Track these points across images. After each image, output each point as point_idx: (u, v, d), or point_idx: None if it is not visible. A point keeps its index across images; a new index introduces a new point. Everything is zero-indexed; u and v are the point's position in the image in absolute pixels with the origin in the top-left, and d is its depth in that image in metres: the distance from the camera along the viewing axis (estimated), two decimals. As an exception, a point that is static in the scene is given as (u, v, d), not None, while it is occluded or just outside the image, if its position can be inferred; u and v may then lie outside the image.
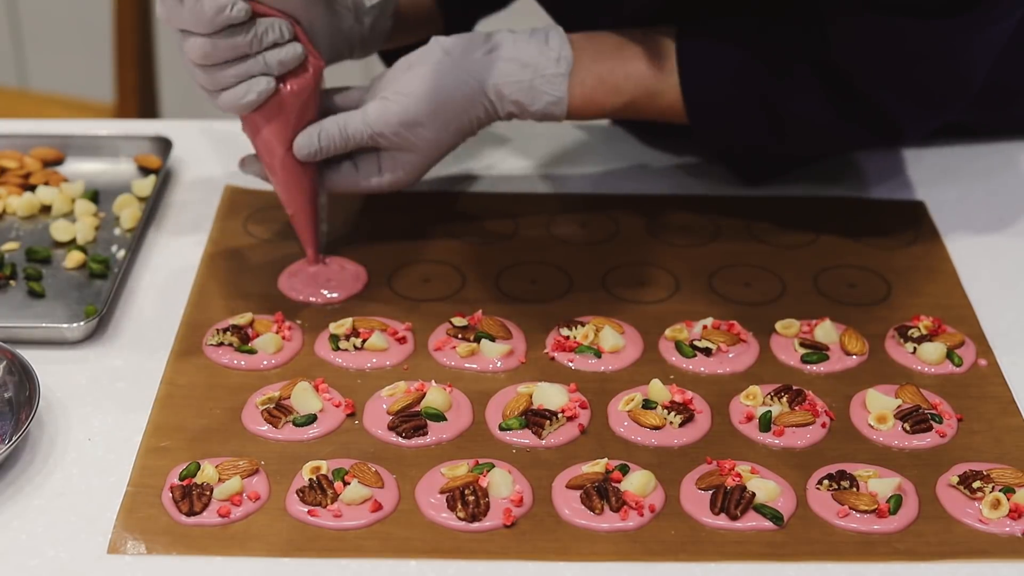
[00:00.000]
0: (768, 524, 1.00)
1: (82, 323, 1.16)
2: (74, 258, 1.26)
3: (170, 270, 1.26)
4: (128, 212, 1.32)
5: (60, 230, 1.28)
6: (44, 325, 1.16)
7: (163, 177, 1.38)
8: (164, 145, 1.41)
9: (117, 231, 1.31)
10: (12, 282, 1.24)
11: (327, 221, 1.27)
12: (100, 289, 1.22)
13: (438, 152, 1.22)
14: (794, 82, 1.23)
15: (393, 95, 1.19)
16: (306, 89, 1.17)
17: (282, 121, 1.17)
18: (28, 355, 1.10)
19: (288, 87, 1.16)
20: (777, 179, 1.39)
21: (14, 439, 1.03)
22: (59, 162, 1.41)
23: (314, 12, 1.17)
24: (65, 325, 1.16)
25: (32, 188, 1.36)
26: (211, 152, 1.45)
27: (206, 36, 1.10)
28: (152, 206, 1.34)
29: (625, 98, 1.23)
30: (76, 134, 1.41)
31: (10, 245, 1.28)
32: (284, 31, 1.14)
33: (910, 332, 1.18)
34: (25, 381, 1.08)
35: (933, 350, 1.15)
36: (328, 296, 1.22)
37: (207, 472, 1.02)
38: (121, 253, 1.27)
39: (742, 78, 1.24)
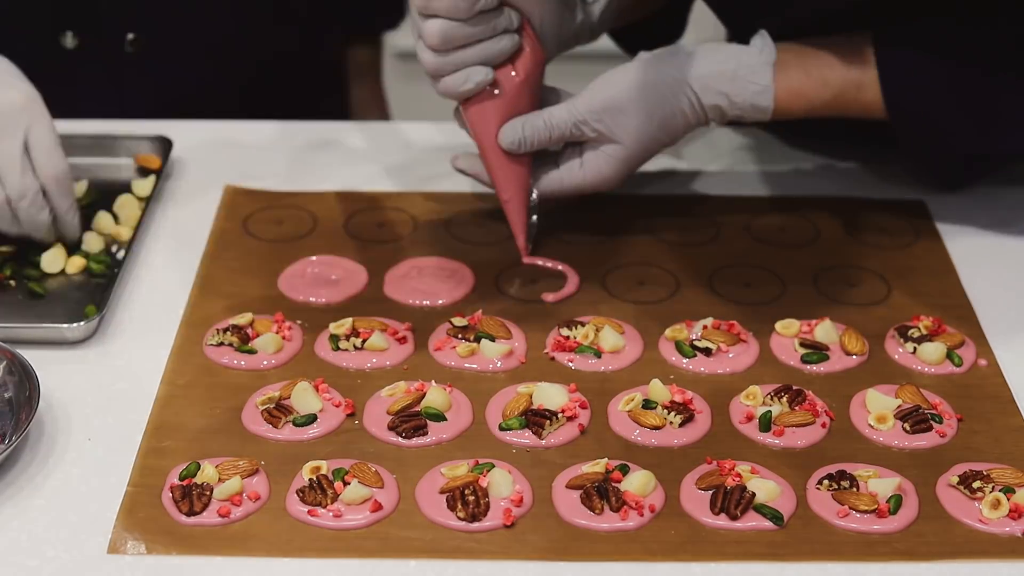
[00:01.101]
0: (768, 524, 1.00)
1: (82, 323, 1.16)
2: (75, 263, 1.25)
3: (170, 270, 1.26)
4: (128, 212, 1.32)
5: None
6: (45, 325, 1.16)
7: (163, 177, 1.38)
8: (164, 145, 1.41)
9: (116, 228, 1.31)
10: (12, 282, 1.24)
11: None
12: (100, 289, 1.22)
13: (642, 147, 1.22)
14: (1003, 78, 1.21)
15: (598, 85, 1.20)
16: (528, 78, 1.19)
17: (500, 107, 1.19)
18: (28, 355, 1.10)
19: (510, 75, 1.18)
20: (979, 181, 1.37)
21: (14, 439, 1.03)
22: None
23: (546, 6, 1.19)
24: (65, 325, 1.16)
25: None
26: (211, 152, 1.45)
27: (454, 21, 1.13)
28: (152, 206, 1.34)
29: (832, 91, 1.22)
30: (76, 133, 1.41)
31: (4, 248, 1.28)
32: (514, 21, 1.16)
33: (910, 332, 1.18)
34: (25, 381, 1.08)
35: (933, 350, 1.15)
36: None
37: (207, 472, 1.02)
38: (121, 253, 1.27)
39: (946, 79, 1.22)
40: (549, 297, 1.23)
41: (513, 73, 1.19)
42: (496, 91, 1.19)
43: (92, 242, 1.28)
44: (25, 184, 1.21)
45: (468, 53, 1.16)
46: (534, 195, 1.25)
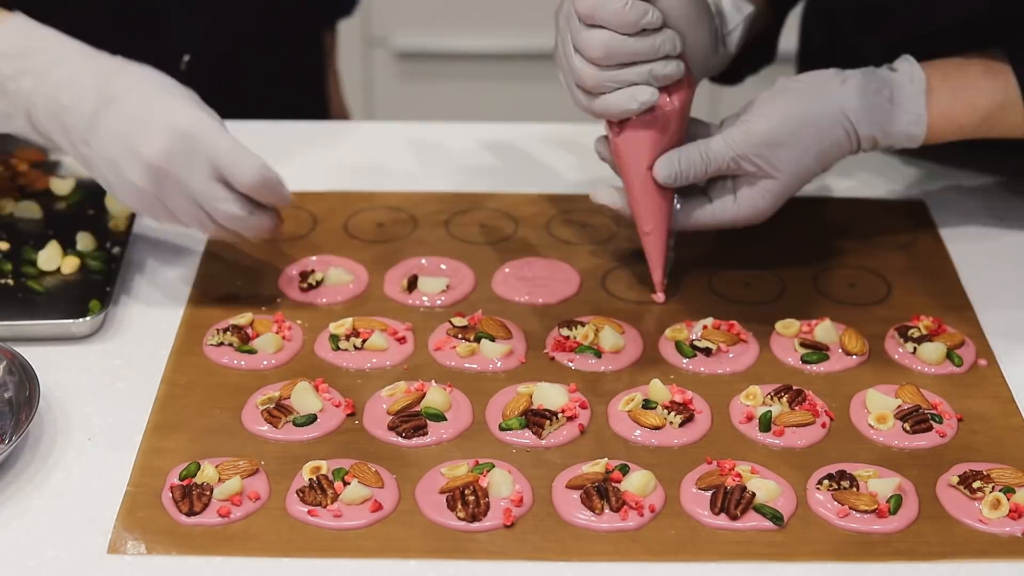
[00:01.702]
0: (768, 524, 1.00)
1: (88, 318, 1.16)
2: (71, 263, 1.25)
3: (170, 270, 1.26)
4: (120, 207, 1.32)
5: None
6: (51, 322, 1.17)
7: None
8: None
9: (110, 224, 1.31)
10: (10, 281, 1.24)
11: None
12: (99, 285, 1.22)
13: (798, 179, 1.19)
14: None
15: (755, 118, 1.17)
16: (683, 107, 1.16)
17: (654, 135, 1.15)
18: (28, 355, 1.10)
19: (667, 101, 1.15)
20: None
21: (14, 439, 1.03)
22: (44, 162, 1.41)
23: (699, 32, 1.16)
24: (72, 320, 1.16)
25: (23, 189, 1.37)
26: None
27: (617, 34, 1.11)
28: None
29: (981, 113, 1.20)
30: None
31: (1, 245, 1.28)
32: (677, 44, 1.13)
33: (910, 332, 1.18)
34: (25, 381, 1.08)
35: (933, 350, 1.15)
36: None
37: (207, 472, 1.02)
38: (116, 250, 1.27)
39: None
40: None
41: (672, 100, 1.15)
42: (653, 118, 1.15)
43: (85, 241, 1.28)
44: (227, 210, 1.16)
45: (631, 72, 1.12)
46: (674, 235, 1.22)
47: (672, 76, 1.14)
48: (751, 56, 1.33)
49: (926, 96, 1.18)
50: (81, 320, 1.16)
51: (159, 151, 1.13)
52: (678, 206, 1.20)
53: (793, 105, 1.17)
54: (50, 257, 1.25)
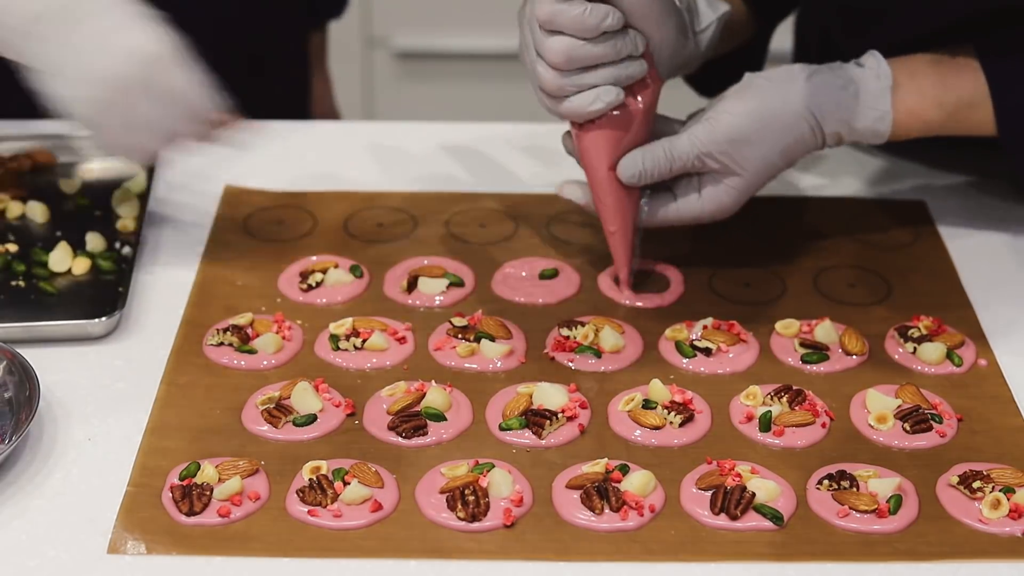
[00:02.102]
0: (768, 524, 1.00)
1: (104, 319, 1.16)
2: (82, 264, 1.25)
3: (170, 270, 1.26)
4: (127, 207, 1.33)
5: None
6: (67, 322, 1.17)
7: (162, 176, 1.38)
8: None
9: (118, 224, 1.31)
10: (21, 282, 1.24)
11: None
12: (111, 286, 1.22)
13: (762, 175, 1.19)
14: None
15: (720, 115, 1.17)
16: (648, 106, 1.16)
17: (618, 135, 1.16)
18: (29, 355, 1.10)
19: (632, 101, 1.15)
20: None
21: (14, 439, 1.03)
22: (47, 161, 1.41)
23: (666, 31, 1.16)
24: (88, 321, 1.16)
25: (26, 188, 1.37)
26: (211, 152, 1.45)
27: (577, 39, 1.11)
28: (151, 205, 1.34)
29: (947, 111, 1.20)
30: (65, 133, 1.42)
31: (9, 246, 1.28)
32: (639, 45, 1.14)
33: (910, 332, 1.18)
34: (25, 381, 1.08)
35: (933, 350, 1.15)
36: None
37: (207, 472, 1.02)
38: (126, 250, 1.27)
39: None
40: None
41: (635, 100, 1.15)
42: (616, 118, 1.15)
43: (94, 241, 1.28)
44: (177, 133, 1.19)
45: (593, 75, 1.13)
46: (639, 236, 1.22)
47: (635, 76, 1.14)
48: (738, 66, 1.33)
49: (892, 93, 1.19)
50: (96, 320, 1.16)
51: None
52: (645, 206, 1.21)
53: (757, 101, 1.17)
54: (61, 258, 1.26)
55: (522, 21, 1.16)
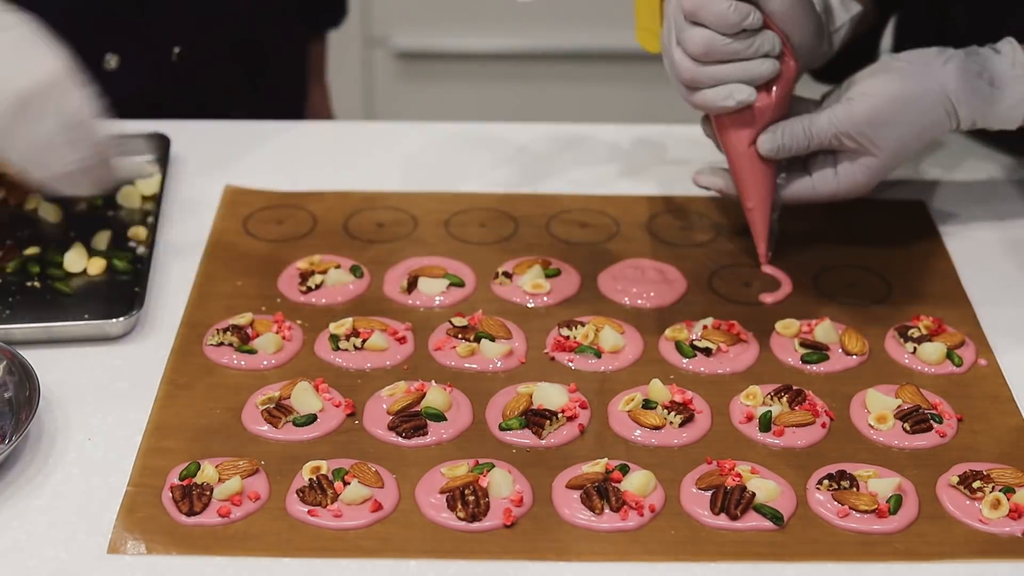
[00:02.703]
0: (768, 524, 1.00)
1: (123, 319, 1.16)
2: (97, 264, 1.26)
3: (170, 270, 1.26)
4: (134, 207, 1.33)
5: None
6: (86, 322, 1.17)
7: (167, 175, 1.39)
8: (162, 142, 1.41)
9: (130, 232, 1.31)
10: (37, 283, 1.24)
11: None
12: (126, 286, 1.23)
13: (897, 157, 1.21)
14: None
15: (859, 96, 1.19)
16: (782, 99, 1.19)
17: (754, 122, 1.19)
18: (29, 355, 1.10)
19: (764, 97, 1.18)
20: None
21: (14, 439, 1.03)
22: None
23: (806, 33, 1.19)
24: (106, 321, 1.16)
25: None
26: (211, 152, 1.45)
27: (717, 33, 1.14)
28: (159, 206, 1.34)
29: None
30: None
31: (30, 250, 1.28)
32: (776, 45, 1.16)
33: (910, 332, 1.18)
34: (25, 381, 1.08)
35: (933, 350, 1.15)
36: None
37: (207, 472, 1.02)
38: (141, 249, 1.28)
39: None
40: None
41: (771, 92, 1.18)
42: (755, 109, 1.18)
43: (101, 240, 1.29)
44: (67, 162, 1.17)
45: (727, 69, 1.16)
46: (776, 212, 1.25)
47: (767, 76, 1.17)
48: (853, 56, 1.34)
49: None
50: (115, 320, 1.16)
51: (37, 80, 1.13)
52: (782, 182, 1.24)
53: (896, 84, 1.19)
54: (76, 259, 1.26)
55: (668, 10, 1.18)
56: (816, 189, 1.23)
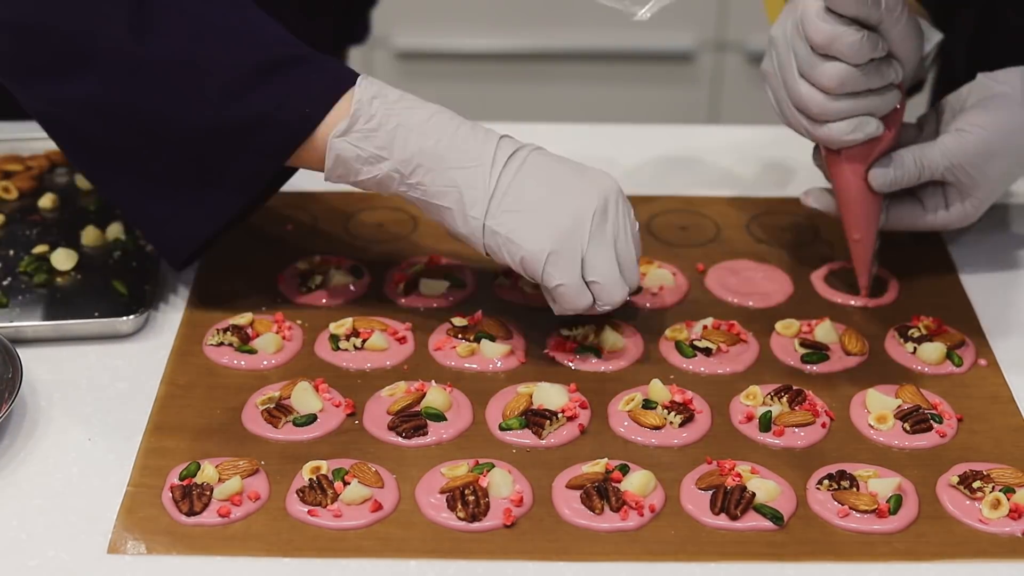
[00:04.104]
0: (768, 524, 1.00)
1: (133, 316, 1.17)
2: (91, 234, 1.27)
3: (170, 270, 1.26)
4: None
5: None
6: (96, 320, 1.17)
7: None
8: None
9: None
10: (44, 280, 1.24)
11: None
12: (128, 283, 1.22)
13: (1003, 186, 1.20)
14: None
15: (969, 127, 1.17)
16: (897, 128, 1.18)
17: (868, 156, 1.17)
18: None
19: (885, 128, 1.17)
20: None
21: None
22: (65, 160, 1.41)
23: (917, 58, 1.18)
24: (119, 319, 1.17)
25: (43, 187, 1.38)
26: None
27: (851, 65, 1.12)
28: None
29: None
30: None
31: (40, 248, 1.28)
32: (899, 73, 1.15)
33: (910, 332, 1.18)
34: (7, 362, 1.08)
35: (933, 350, 1.15)
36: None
37: (207, 472, 1.02)
38: (151, 248, 1.27)
39: None
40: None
41: (891, 124, 1.17)
42: (873, 141, 1.17)
43: (91, 236, 1.29)
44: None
45: (858, 103, 1.14)
46: (878, 243, 1.23)
47: (891, 105, 1.16)
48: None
49: None
50: (127, 318, 1.16)
51: (600, 199, 1.10)
52: (885, 212, 1.22)
53: (1004, 113, 1.18)
54: (63, 258, 1.26)
55: (778, 38, 1.15)
56: (927, 220, 1.22)
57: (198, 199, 1.15)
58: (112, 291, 1.22)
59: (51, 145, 1.39)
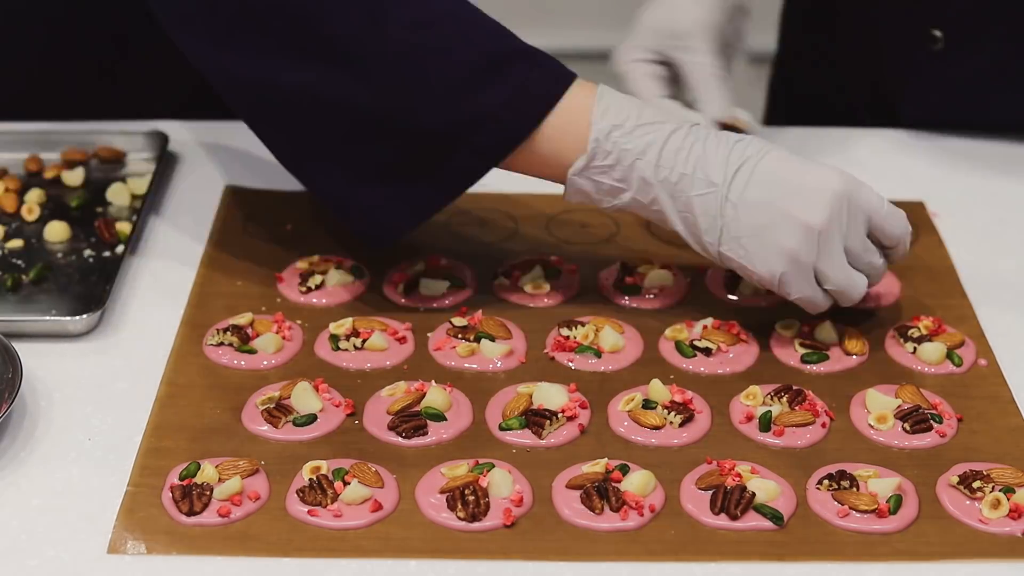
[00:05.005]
0: (768, 524, 1.00)
1: (84, 316, 1.16)
2: (55, 230, 1.28)
3: (170, 270, 1.26)
4: (124, 205, 1.34)
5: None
6: (47, 319, 1.17)
7: (162, 176, 1.39)
8: (160, 140, 1.41)
9: (117, 227, 1.31)
10: (24, 276, 1.24)
11: None
12: (101, 283, 1.23)
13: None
14: None
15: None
16: None
17: None
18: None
19: None
20: None
21: None
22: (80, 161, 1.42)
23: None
24: (68, 318, 1.16)
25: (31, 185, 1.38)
26: (211, 152, 1.45)
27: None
28: (152, 204, 1.34)
29: None
30: (70, 131, 1.42)
31: (14, 243, 1.28)
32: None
33: (910, 332, 1.18)
34: (7, 362, 1.08)
35: (933, 350, 1.15)
36: None
37: (207, 472, 1.02)
38: (120, 248, 1.27)
39: None
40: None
41: None
42: None
43: (58, 231, 1.29)
44: (875, 262, 1.15)
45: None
46: None
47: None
48: None
49: None
50: (79, 318, 1.16)
51: (824, 214, 1.10)
52: None
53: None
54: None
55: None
56: None
57: (404, 193, 1.15)
58: (74, 290, 1.22)
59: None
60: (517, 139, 1.13)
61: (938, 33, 1.41)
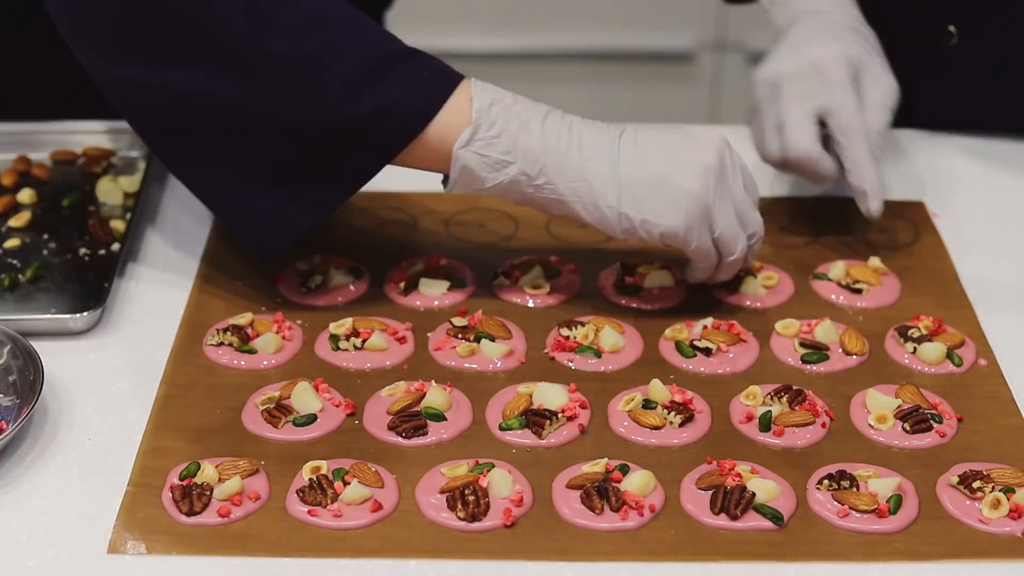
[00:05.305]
0: (768, 524, 1.00)
1: (86, 314, 1.16)
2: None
3: (170, 270, 1.26)
4: (114, 201, 1.35)
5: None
6: (48, 316, 1.17)
7: (161, 176, 1.38)
8: None
9: (112, 224, 1.31)
10: (21, 276, 1.24)
11: None
12: (98, 281, 1.22)
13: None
14: None
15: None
16: None
17: None
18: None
19: None
20: None
21: (20, 420, 1.03)
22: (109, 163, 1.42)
23: None
24: (68, 316, 1.16)
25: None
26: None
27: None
28: (151, 204, 1.34)
29: None
30: (60, 131, 1.42)
31: (11, 243, 1.28)
32: None
33: (910, 332, 1.18)
34: (29, 365, 1.08)
35: (933, 350, 1.15)
36: None
37: (207, 472, 1.02)
38: (116, 246, 1.27)
39: None
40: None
41: None
42: None
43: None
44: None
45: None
46: None
47: None
48: None
49: None
50: (79, 315, 1.16)
51: (715, 155, 1.14)
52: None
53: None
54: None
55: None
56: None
57: (300, 194, 1.15)
58: (71, 288, 1.22)
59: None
60: (412, 133, 1.14)
61: (953, 29, 1.41)
